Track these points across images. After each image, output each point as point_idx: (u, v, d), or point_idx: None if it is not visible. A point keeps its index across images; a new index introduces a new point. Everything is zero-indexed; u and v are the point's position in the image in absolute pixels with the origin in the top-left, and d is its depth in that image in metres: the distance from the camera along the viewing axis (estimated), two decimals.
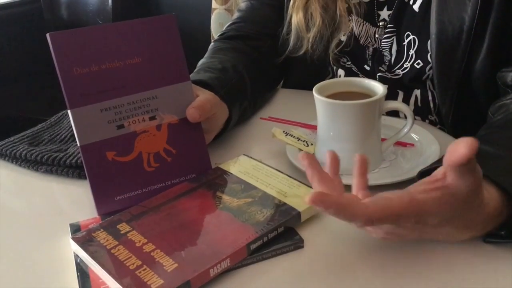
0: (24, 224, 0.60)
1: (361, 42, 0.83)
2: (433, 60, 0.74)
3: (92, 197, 0.59)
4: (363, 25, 0.81)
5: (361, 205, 0.42)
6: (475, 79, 0.73)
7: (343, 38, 0.83)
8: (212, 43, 0.92)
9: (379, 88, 0.62)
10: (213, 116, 0.67)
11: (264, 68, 0.88)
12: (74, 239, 0.52)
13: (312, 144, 0.68)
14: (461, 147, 0.39)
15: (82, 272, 0.50)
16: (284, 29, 0.85)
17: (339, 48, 0.83)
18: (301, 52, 0.83)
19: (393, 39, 0.79)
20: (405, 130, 0.64)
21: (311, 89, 0.63)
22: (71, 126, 0.76)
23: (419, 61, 0.77)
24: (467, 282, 0.47)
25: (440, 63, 0.74)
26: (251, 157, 0.66)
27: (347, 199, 0.42)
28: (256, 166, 0.64)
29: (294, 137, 0.70)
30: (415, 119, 0.64)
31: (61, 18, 2.32)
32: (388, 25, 0.79)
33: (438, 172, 0.45)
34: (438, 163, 0.53)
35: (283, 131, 0.70)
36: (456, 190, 0.43)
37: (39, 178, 0.69)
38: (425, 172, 0.53)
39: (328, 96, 0.62)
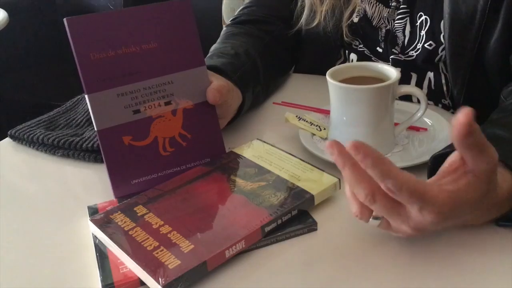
0: (43, 207, 0.61)
1: (373, 24, 0.83)
2: (446, 39, 0.74)
3: (108, 180, 0.60)
4: (376, 6, 0.81)
5: (393, 169, 0.42)
6: (488, 60, 0.73)
7: (356, 20, 0.83)
8: (224, 28, 0.93)
9: (392, 73, 0.62)
10: (227, 102, 0.67)
11: (276, 52, 0.89)
12: (92, 220, 0.54)
13: (325, 129, 0.69)
14: (459, 118, 0.40)
15: (101, 253, 0.51)
16: (299, 3, 0.86)
17: (351, 30, 0.83)
18: (314, 24, 0.84)
19: (406, 20, 0.79)
20: (418, 114, 0.64)
21: (323, 74, 0.64)
22: (87, 111, 0.78)
23: (431, 42, 0.77)
24: (480, 266, 0.48)
25: (453, 43, 0.74)
26: (264, 142, 0.67)
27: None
28: (270, 150, 0.65)
29: (307, 121, 0.70)
30: (428, 103, 0.64)
31: (72, 3, 2.33)
32: (401, 6, 0.79)
33: (455, 161, 0.45)
34: (451, 147, 0.53)
35: (296, 116, 0.71)
36: (479, 172, 0.43)
37: (56, 162, 0.70)
38: (438, 157, 0.53)
39: (342, 81, 0.63)
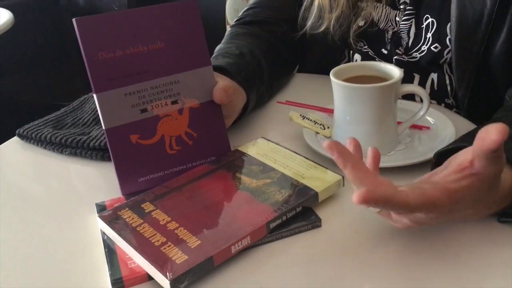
0: (51, 204, 0.62)
1: (380, 27, 0.83)
2: (452, 42, 0.75)
3: (116, 178, 0.61)
4: (384, 9, 0.82)
5: (402, 194, 0.42)
6: (494, 63, 0.74)
7: (361, 23, 0.84)
8: (229, 29, 0.94)
9: (395, 72, 0.63)
10: (232, 101, 0.68)
11: (280, 52, 0.89)
12: (101, 217, 0.55)
13: (328, 128, 0.70)
14: (492, 134, 0.38)
15: (109, 249, 0.52)
16: (303, 6, 0.87)
17: (357, 33, 0.84)
18: (321, 29, 0.84)
19: (411, 22, 0.80)
20: (421, 113, 0.65)
21: (327, 74, 0.65)
22: (93, 110, 0.79)
23: (436, 44, 0.78)
24: (482, 262, 0.49)
25: (460, 46, 0.74)
26: (269, 140, 0.68)
27: (390, 189, 0.42)
28: (274, 148, 0.66)
29: (311, 120, 0.71)
30: (431, 102, 0.65)
31: (76, 4, 2.34)
32: (408, 7, 0.80)
33: (465, 160, 0.45)
34: (455, 143, 0.54)
35: (300, 115, 0.72)
36: (484, 177, 0.43)
37: (64, 160, 0.71)
38: (442, 153, 0.54)
39: (345, 80, 0.63)
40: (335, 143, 0.43)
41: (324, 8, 0.83)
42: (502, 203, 0.50)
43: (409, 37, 0.81)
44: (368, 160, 0.48)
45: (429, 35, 0.78)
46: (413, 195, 0.42)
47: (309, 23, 0.86)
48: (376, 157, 0.48)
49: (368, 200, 0.40)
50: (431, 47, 0.79)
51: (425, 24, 0.79)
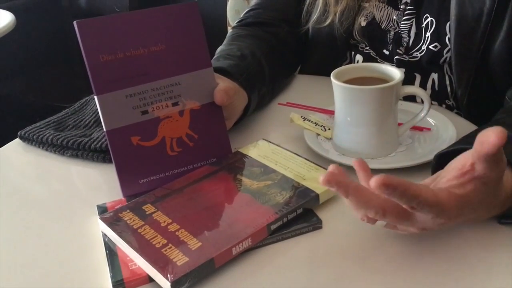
0: (52, 206, 0.63)
1: (382, 27, 0.83)
2: (452, 41, 0.75)
3: (117, 180, 0.61)
4: (385, 9, 0.82)
5: (415, 186, 0.41)
6: (493, 62, 0.74)
7: (364, 24, 0.84)
8: (230, 30, 0.94)
9: (396, 73, 0.63)
10: (233, 103, 0.68)
11: (282, 54, 0.89)
12: (102, 219, 0.55)
13: (329, 129, 0.70)
14: (491, 137, 0.38)
15: (110, 251, 0.52)
16: (307, 2, 0.87)
17: (360, 33, 0.84)
18: (326, 23, 0.85)
19: (412, 21, 0.80)
20: (422, 114, 0.65)
21: (328, 75, 0.65)
22: (94, 112, 0.79)
23: (436, 43, 0.78)
24: (483, 264, 0.49)
25: (459, 45, 0.74)
26: (270, 142, 0.68)
27: (403, 184, 0.41)
28: (275, 150, 0.66)
29: (312, 122, 0.71)
30: (431, 103, 0.65)
31: (78, 6, 2.35)
32: (408, 7, 0.80)
33: (465, 164, 0.45)
34: (455, 145, 0.54)
35: (301, 116, 0.72)
36: (487, 180, 0.44)
37: (65, 162, 0.71)
38: (442, 155, 0.54)
39: (346, 82, 0.63)
40: (331, 175, 0.43)
41: (329, 1, 0.83)
42: (502, 207, 0.50)
43: (409, 37, 0.81)
44: (359, 175, 0.47)
45: (428, 34, 0.78)
46: (426, 193, 0.42)
47: (314, 17, 0.86)
48: (364, 168, 0.46)
49: (388, 184, 0.39)
50: (430, 46, 0.79)
51: (424, 23, 0.79)
